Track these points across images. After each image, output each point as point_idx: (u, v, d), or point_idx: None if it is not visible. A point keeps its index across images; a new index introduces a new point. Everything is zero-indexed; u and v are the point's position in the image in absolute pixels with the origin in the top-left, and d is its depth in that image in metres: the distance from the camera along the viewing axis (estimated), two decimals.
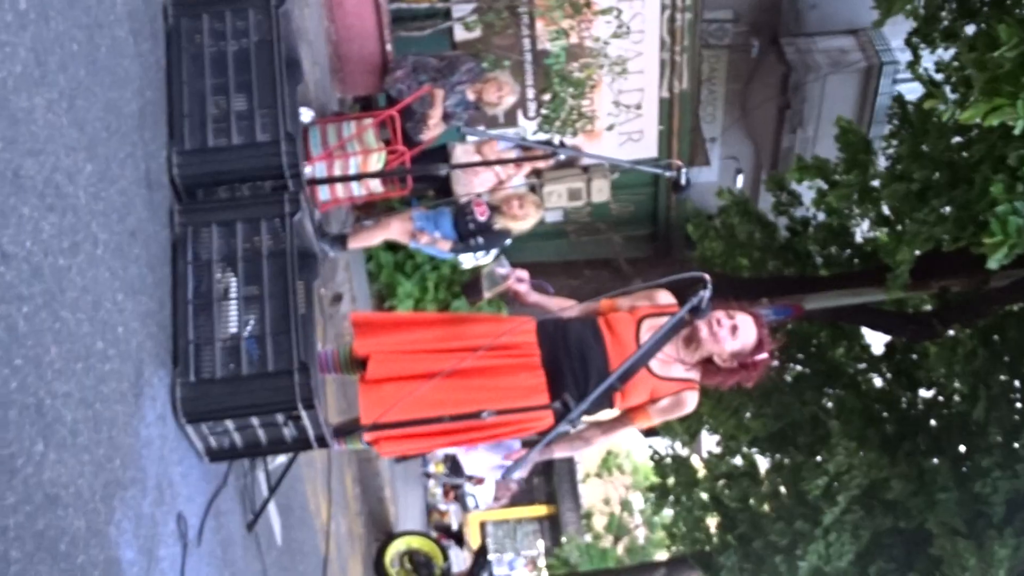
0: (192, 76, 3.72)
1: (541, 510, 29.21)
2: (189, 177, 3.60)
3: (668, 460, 14.38)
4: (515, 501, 29.41)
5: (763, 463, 13.10)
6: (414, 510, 13.03)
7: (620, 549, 24.77)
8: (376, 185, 8.10)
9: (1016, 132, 6.33)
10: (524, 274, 4.56)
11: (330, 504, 6.79)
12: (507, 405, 4.24)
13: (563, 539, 26.24)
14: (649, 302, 4.57)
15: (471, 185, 8.58)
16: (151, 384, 3.09)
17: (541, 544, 28.57)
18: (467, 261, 8.53)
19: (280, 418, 3.43)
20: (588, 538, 25.38)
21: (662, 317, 4.43)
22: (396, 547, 10.70)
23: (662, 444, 15.37)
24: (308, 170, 7.65)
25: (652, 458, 15.06)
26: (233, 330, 3.43)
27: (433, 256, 8.72)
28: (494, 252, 8.49)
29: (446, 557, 10.72)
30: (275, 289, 3.46)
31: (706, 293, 4.16)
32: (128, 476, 2.80)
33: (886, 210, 10.13)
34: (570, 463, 28.97)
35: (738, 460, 13.41)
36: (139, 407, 2.96)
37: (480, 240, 8.09)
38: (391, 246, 9.84)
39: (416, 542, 10.75)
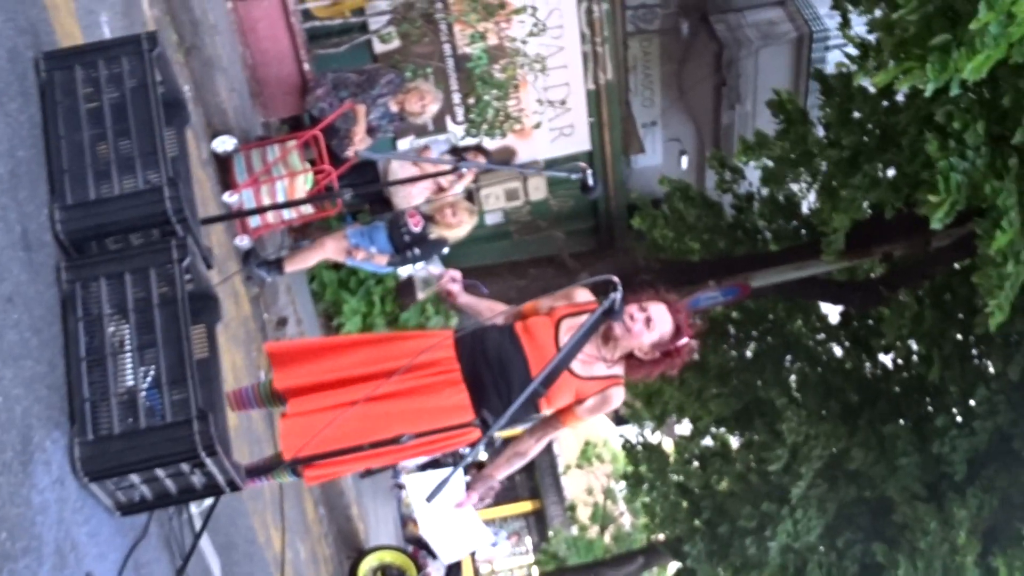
0: (69, 129, 3.67)
1: (526, 506, 29.25)
2: (74, 232, 3.56)
3: (639, 448, 14.37)
4: (499, 499, 29.53)
5: (735, 443, 13.14)
6: (387, 524, 12.99)
7: (607, 538, 24.77)
8: (307, 207, 8.06)
9: (926, 95, 6.34)
10: (457, 274, 4.57)
11: (284, 532, 6.75)
12: (427, 427, 4.22)
13: (550, 533, 26.26)
14: (567, 301, 4.58)
15: (410, 197, 8.57)
16: (43, 449, 3.05)
17: (528, 541, 28.66)
18: (406, 272, 8.52)
19: (185, 467, 3.38)
20: (575, 530, 25.36)
21: (580, 316, 4.43)
22: (368, 564, 10.66)
23: (633, 432, 15.42)
24: (234, 198, 7.64)
25: (624, 446, 15.08)
26: (129, 383, 3.39)
27: (374, 271, 8.71)
28: (436, 260, 8.49)
29: (420, 569, 10.69)
30: (169, 337, 3.42)
31: (617, 295, 4.16)
32: (18, 547, 2.76)
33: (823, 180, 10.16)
34: (550, 456, 29.00)
35: (709, 441, 13.45)
36: (29, 475, 2.92)
37: (416, 251, 8.08)
38: (334, 264, 9.80)
39: (388, 556, 10.71)
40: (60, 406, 3.25)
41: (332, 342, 4.58)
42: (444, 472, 4.28)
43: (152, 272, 3.50)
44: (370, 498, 12.12)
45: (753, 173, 11.44)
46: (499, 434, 4.71)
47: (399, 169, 8.38)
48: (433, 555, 11.56)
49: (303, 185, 7.83)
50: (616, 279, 4.16)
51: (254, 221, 7.96)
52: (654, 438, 14.84)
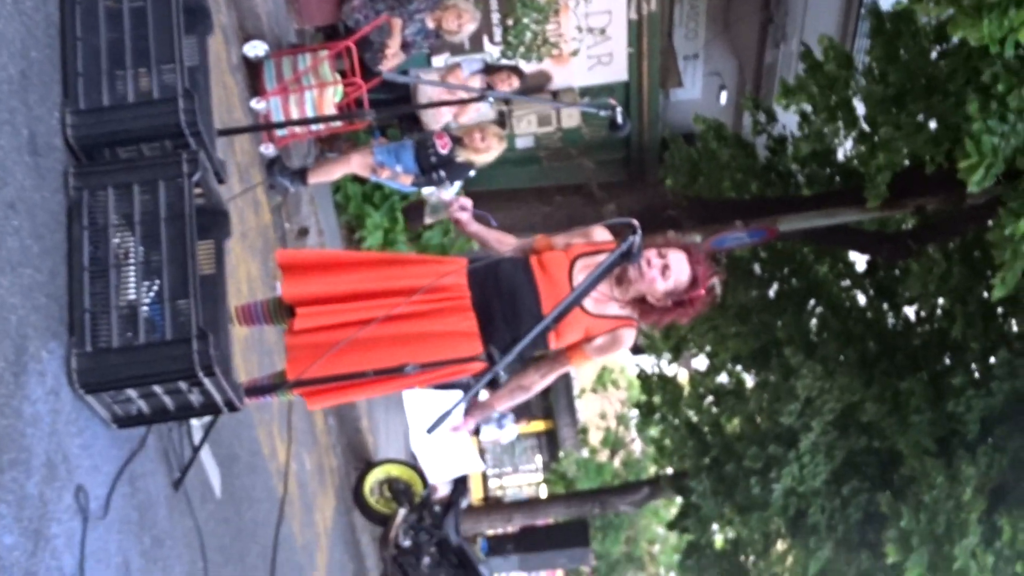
0: (87, 31, 3.58)
1: (539, 426, 29.42)
2: (84, 138, 3.49)
3: (654, 378, 14.37)
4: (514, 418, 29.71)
5: (751, 383, 13.09)
6: (397, 438, 13.06)
7: (617, 463, 24.92)
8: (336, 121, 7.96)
9: (976, 45, 6.20)
10: (467, 202, 4.49)
11: (289, 444, 6.77)
12: (433, 358, 4.18)
13: (560, 454, 26.43)
14: (584, 239, 4.51)
15: (439, 114, 8.44)
16: (38, 359, 3.02)
17: (539, 459, 28.89)
18: (429, 194, 8.43)
19: (183, 386, 3.35)
20: (585, 453, 25.54)
21: (597, 255, 4.37)
22: (375, 476, 10.69)
23: (648, 362, 15.41)
24: (261, 105, 7.55)
25: (639, 376, 15.08)
26: (131, 297, 3.34)
27: (398, 189, 8.61)
28: (458, 185, 8.38)
29: (425, 484, 10.73)
30: (174, 253, 3.36)
31: (636, 238, 4.08)
32: (5, 459, 2.73)
33: (865, 126, 9.97)
34: (566, 379, 29.10)
35: (725, 378, 13.43)
36: (21, 386, 2.89)
37: (442, 173, 7.98)
38: (359, 177, 9.71)
39: (396, 470, 10.73)
40: (59, 316, 3.21)
41: (346, 256, 4.52)
42: (445, 394, 4.24)
43: (161, 185, 3.43)
44: (382, 411, 12.16)
45: (789, 118, 11.27)
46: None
47: (429, 88, 8.24)
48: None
49: (332, 97, 7.72)
50: (636, 222, 4.08)
51: (280, 129, 7.87)
52: (670, 370, 14.82)
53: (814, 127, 9.89)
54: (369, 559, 10.88)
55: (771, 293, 12.16)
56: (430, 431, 3.90)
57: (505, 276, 4.40)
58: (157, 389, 3.36)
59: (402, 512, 10.34)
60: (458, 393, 4.38)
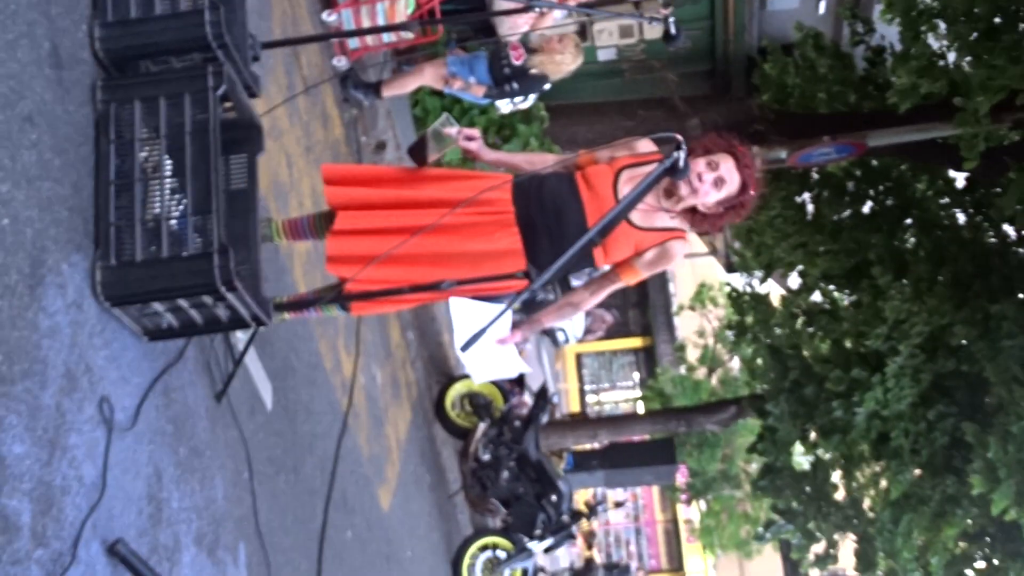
0: None
1: (636, 342, 29.37)
2: (112, 51, 3.47)
3: (746, 297, 14.15)
4: (611, 334, 29.64)
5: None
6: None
7: (714, 380, 24.75)
8: (407, 31, 7.88)
9: None
10: (473, 132, 4.41)
11: (357, 357, 6.81)
12: (472, 274, 4.15)
13: (658, 371, 26.38)
14: (628, 151, 4.42)
15: (515, 25, 8.30)
16: (58, 272, 3.04)
17: (636, 376, 28.87)
18: (504, 107, 8.33)
19: (207, 299, 3.36)
20: (682, 370, 25.41)
21: (641, 167, 4.29)
22: (456, 390, 10.82)
23: (741, 280, 15.18)
24: (332, 18, 7.50)
25: (729, 295, 14.87)
26: (156, 211, 3.35)
27: (471, 101, 8.51)
28: (532, 98, 8.27)
29: (506, 399, 10.79)
30: (198, 167, 3.35)
31: (681, 154, 3.96)
32: (16, 370, 2.77)
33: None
34: (665, 295, 28.93)
35: (818, 297, 13.16)
36: (37, 298, 2.91)
37: (515, 85, 7.87)
38: (438, 91, 9.63)
39: (476, 384, 10.83)
40: (83, 229, 3.23)
41: (390, 170, 4.49)
42: (491, 306, 4.20)
43: (187, 98, 3.40)
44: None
45: (890, 30, 10.82)
46: None
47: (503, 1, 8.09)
48: (522, 388, 11.66)
49: (404, 8, 7.62)
50: (680, 137, 3.95)
51: (352, 42, 7.83)
52: (763, 288, 14.58)
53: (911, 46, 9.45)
54: (451, 472, 11.01)
55: (865, 210, 11.83)
56: (463, 349, 3.87)
57: (550, 192, 4.34)
58: (183, 303, 3.38)
59: (482, 426, 10.45)
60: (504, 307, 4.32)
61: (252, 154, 3.78)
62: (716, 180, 4.22)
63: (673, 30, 4.60)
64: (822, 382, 10.34)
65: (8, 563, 2.64)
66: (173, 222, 3.37)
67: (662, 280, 28.90)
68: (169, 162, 3.38)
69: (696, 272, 27.68)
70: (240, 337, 4.43)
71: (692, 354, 25.52)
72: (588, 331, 28.20)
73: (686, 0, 10.39)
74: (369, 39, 7.84)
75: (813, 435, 10.85)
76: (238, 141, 3.77)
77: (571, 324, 22.95)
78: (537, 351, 24.06)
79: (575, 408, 27.89)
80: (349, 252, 4.26)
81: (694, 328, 26.26)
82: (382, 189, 4.37)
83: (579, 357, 30.56)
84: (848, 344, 10.68)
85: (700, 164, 4.24)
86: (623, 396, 29.89)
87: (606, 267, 4.57)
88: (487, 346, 4.39)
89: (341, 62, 7.82)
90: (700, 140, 4.36)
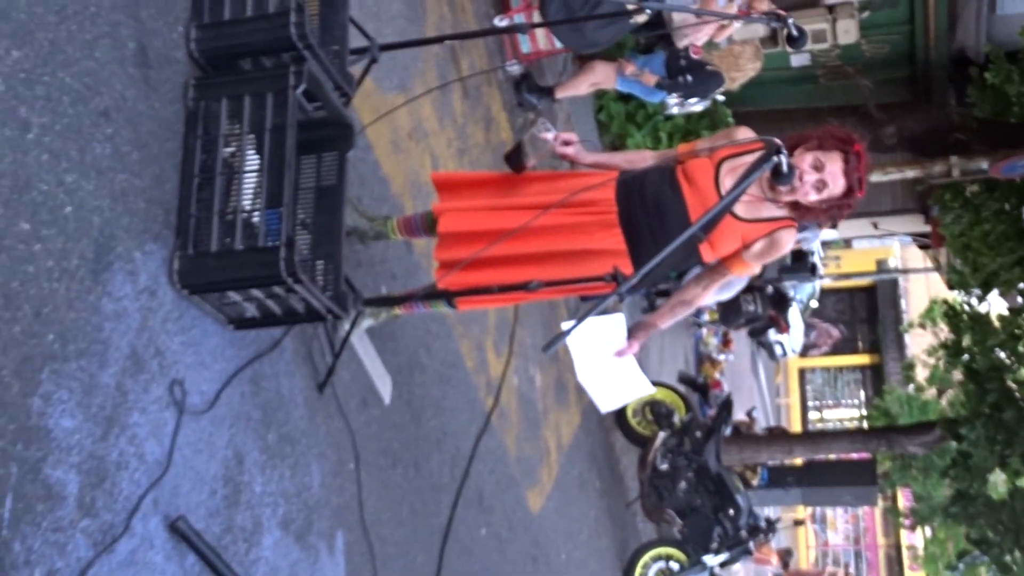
0: None
1: (864, 359, 28.38)
2: (206, 52, 3.65)
3: (963, 315, 13.50)
4: (837, 349, 28.76)
5: None
6: (673, 362, 12.99)
7: (944, 402, 23.63)
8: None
9: None
10: (571, 136, 4.38)
11: (509, 357, 6.87)
12: (562, 275, 4.15)
13: (884, 389, 25.41)
14: (727, 141, 4.33)
15: (696, 35, 8.20)
16: (129, 259, 3.21)
17: (861, 394, 27.87)
18: (673, 107, 8.22)
19: (279, 291, 3.48)
20: (911, 389, 24.38)
21: (742, 157, 4.22)
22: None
23: (959, 298, 14.47)
24: (504, 23, 7.60)
25: (945, 314, 14.20)
26: (234, 204, 3.49)
27: (642, 95, 8.35)
28: (704, 102, 8.15)
29: (689, 408, 10.66)
30: (275, 163, 3.47)
31: (783, 158, 3.84)
32: (71, 349, 2.94)
33: None
34: (896, 311, 27.83)
35: None
36: (101, 282, 3.08)
37: (689, 78, 7.78)
38: (623, 96, 9.62)
39: (659, 393, 10.75)
40: (164, 220, 3.40)
41: (498, 175, 4.53)
42: (602, 319, 4.19)
43: (269, 97, 3.54)
44: (657, 332, 12.10)
45: None
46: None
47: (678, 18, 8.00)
48: (705, 399, 11.49)
49: None
50: (778, 142, 3.82)
51: (525, 46, 7.91)
52: (983, 307, 13.87)
53: None
54: (632, 480, 10.94)
55: None
56: (545, 351, 3.85)
57: (651, 188, 4.30)
58: (257, 293, 3.51)
59: (662, 435, 10.36)
60: (618, 316, 4.30)
61: (343, 152, 3.89)
62: (818, 183, 4.12)
63: (795, 31, 4.45)
64: (1022, 407, 9.74)
65: (49, 530, 2.81)
66: (256, 216, 3.50)
67: (893, 296, 27.86)
68: (251, 157, 3.52)
69: (931, 287, 26.55)
70: (353, 331, 4.55)
71: (921, 373, 24.47)
72: (813, 346, 27.45)
73: (885, 3, 9.98)
74: (542, 44, 7.90)
75: (1015, 462, 10.21)
76: (330, 139, 3.89)
77: (789, 337, 22.38)
78: (752, 364, 23.58)
79: (796, 425, 27.21)
80: (456, 256, 4.32)
81: (925, 346, 25.20)
82: (488, 193, 4.43)
83: (802, 372, 29.78)
84: None
85: (806, 161, 4.15)
86: (847, 414, 28.92)
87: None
88: (606, 365, 4.37)
89: (514, 66, 7.92)
90: (816, 131, 4.24)
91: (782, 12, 4.46)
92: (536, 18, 7.70)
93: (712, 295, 4.57)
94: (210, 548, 3.36)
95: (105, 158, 3.16)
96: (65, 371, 2.92)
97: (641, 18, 7.08)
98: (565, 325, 3.76)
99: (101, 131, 3.16)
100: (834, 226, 13.68)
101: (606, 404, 4.54)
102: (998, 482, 11.04)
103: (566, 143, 4.38)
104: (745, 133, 4.29)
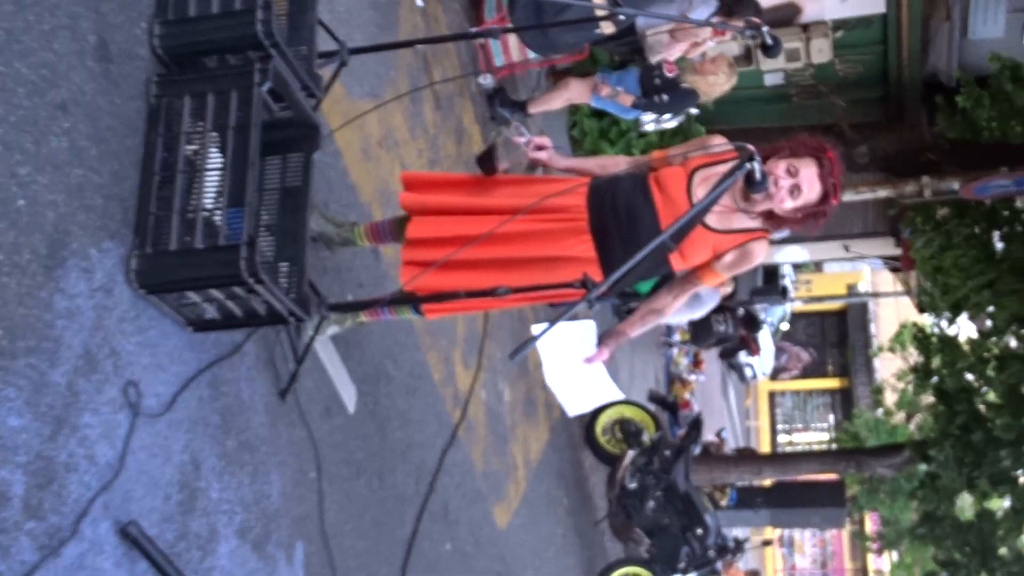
0: None
1: (833, 383, 28.45)
2: (170, 48, 3.58)
3: (933, 338, 13.54)
4: (807, 373, 28.82)
5: None
6: (643, 380, 12.94)
7: (912, 426, 23.73)
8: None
9: None
10: (544, 140, 4.33)
11: (478, 371, 6.80)
12: (530, 281, 4.08)
13: (854, 413, 25.49)
14: (701, 148, 4.30)
15: (670, 49, 8.19)
16: (83, 256, 3.13)
17: (831, 418, 27.93)
18: (648, 124, 8.21)
19: (239, 291, 3.40)
20: (880, 413, 24.50)
21: (715, 166, 4.18)
22: (608, 415, 10.70)
23: (928, 321, 14.53)
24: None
25: (915, 336, 14.26)
26: (194, 203, 3.41)
27: (619, 113, 8.34)
28: (678, 118, 8.13)
29: (659, 427, 10.62)
30: (238, 162, 3.40)
31: (756, 165, 3.80)
32: (20, 346, 2.85)
33: None
34: (865, 335, 27.92)
35: (1013, 342, 12.46)
36: (53, 279, 3.00)
37: (665, 97, 7.75)
38: (596, 112, 9.59)
39: (629, 411, 10.71)
40: (122, 218, 3.32)
41: (469, 177, 4.47)
42: (573, 325, 4.15)
43: (233, 95, 3.47)
44: (628, 350, 12.08)
45: None
46: None
47: (655, 24, 7.98)
48: (675, 418, 11.45)
49: None
50: (752, 148, 3.79)
51: (498, 59, 7.87)
52: (952, 330, 13.93)
53: None
54: (600, 499, 10.88)
55: None
56: (512, 357, 3.79)
57: (622, 196, 4.25)
58: (217, 294, 3.43)
59: (631, 454, 10.30)
60: (588, 323, 4.24)
61: (308, 153, 3.82)
62: (792, 188, 4.09)
63: (769, 40, 4.41)
64: (991, 429, 9.74)
65: None
66: (217, 216, 3.43)
67: (863, 320, 27.96)
68: (214, 156, 3.45)
69: (900, 312, 26.66)
70: (319, 338, 4.47)
71: (890, 398, 24.58)
72: (783, 369, 27.51)
73: (858, 24, 10.02)
74: (515, 57, 7.87)
75: (981, 484, 10.21)
76: (296, 140, 3.82)
77: (760, 359, 22.45)
78: (723, 385, 23.60)
79: (766, 447, 27.20)
80: (422, 259, 4.26)
81: (894, 370, 25.31)
82: (458, 195, 4.37)
83: (772, 395, 29.82)
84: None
85: (780, 168, 4.13)
86: (816, 438, 28.97)
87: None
88: (574, 370, 4.32)
89: (487, 80, 7.87)
90: (788, 141, 4.22)
91: (757, 20, 4.42)
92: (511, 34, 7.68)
93: (682, 305, 4.52)
94: (162, 555, 3.27)
95: (62, 152, 3.09)
96: (13, 368, 2.84)
97: (609, 29, 7.06)
98: (535, 329, 3.69)
99: (58, 124, 3.09)
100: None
101: (573, 408, 4.48)
102: (965, 506, 11.04)
103: (539, 147, 4.33)
104: (720, 142, 4.25)
